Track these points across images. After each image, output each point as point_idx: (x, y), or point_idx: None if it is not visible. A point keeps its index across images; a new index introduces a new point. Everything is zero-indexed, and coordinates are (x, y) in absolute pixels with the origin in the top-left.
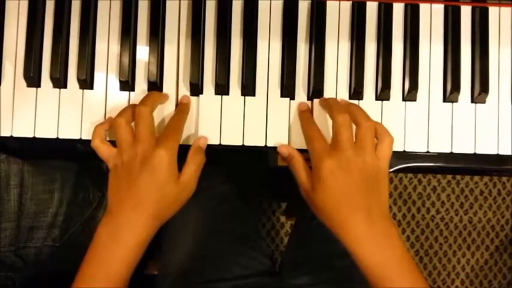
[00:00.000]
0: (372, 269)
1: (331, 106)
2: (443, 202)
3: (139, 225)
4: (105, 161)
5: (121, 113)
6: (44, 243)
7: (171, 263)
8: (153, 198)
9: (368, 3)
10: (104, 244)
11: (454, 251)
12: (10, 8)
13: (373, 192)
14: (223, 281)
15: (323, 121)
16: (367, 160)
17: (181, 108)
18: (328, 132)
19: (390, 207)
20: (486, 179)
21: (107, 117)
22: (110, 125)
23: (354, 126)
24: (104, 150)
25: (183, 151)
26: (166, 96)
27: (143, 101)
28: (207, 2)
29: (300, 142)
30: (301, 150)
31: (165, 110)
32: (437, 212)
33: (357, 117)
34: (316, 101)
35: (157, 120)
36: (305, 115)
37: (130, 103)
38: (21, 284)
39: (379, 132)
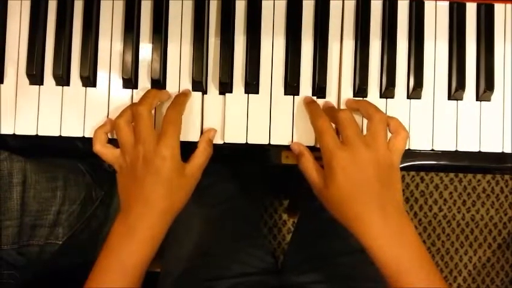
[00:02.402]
0: (388, 264)
1: (331, 108)
2: (445, 200)
3: (152, 220)
4: (110, 163)
5: (121, 114)
6: (47, 241)
7: (173, 261)
8: (161, 195)
9: (373, 0)
10: (120, 239)
11: (456, 249)
12: (13, 5)
13: (386, 186)
14: (225, 278)
15: None
16: (380, 153)
17: (178, 98)
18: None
19: None
20: (488, 176)
21: (108, 118)
22: (110, 126)
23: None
24: (106, 154)
25: (184, 148)
26: (165, 93)
27: (140, 101)
28: None
29: (304, 140)
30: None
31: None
32: (440, 209)
33: (368, 111)
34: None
35: (159, 117)
36: (313, 106)
37: (133, 101)
38: (24, 281)
39: (394, 126)
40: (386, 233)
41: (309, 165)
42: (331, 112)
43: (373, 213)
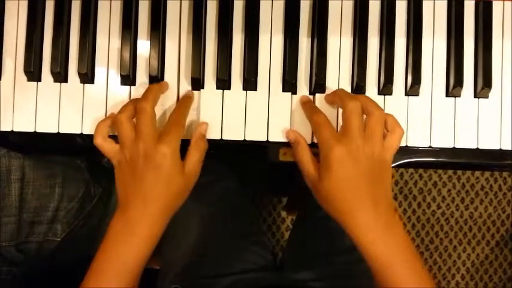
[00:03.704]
0: (378, 259)
1: (340, 95)
2: (444, 197)
3: (150, 218)
4: (109, 158)
5: (122, 110)
6: (45, 237)
7: (172, 258)
8: (160, 192)
9: None
10: (118, 236)
11: (455, 246)
12: (10, 1)
13: (379, 183)
14: (224, 275)
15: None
16: (375, 150)
17: (183, 101)
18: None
19: None
20: (487, 174)
21: (108, 113)
22: (112, 121)
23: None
24: (107, 148)
25: (185, 146)
26: (165, 85)
27: (144, 97)
28: None
29: None
30: None
31: (167, 104)
32: (438, 207)
33: (368, 107)
34: (319, 96)
35: (158, 114)
36: (309, 105)
37: (131, 97)
38: (23, 278)
39: (390, 123)
40: (378, 228)
41: (304, 155)
42: (341, 99)
43: (365, 208)
